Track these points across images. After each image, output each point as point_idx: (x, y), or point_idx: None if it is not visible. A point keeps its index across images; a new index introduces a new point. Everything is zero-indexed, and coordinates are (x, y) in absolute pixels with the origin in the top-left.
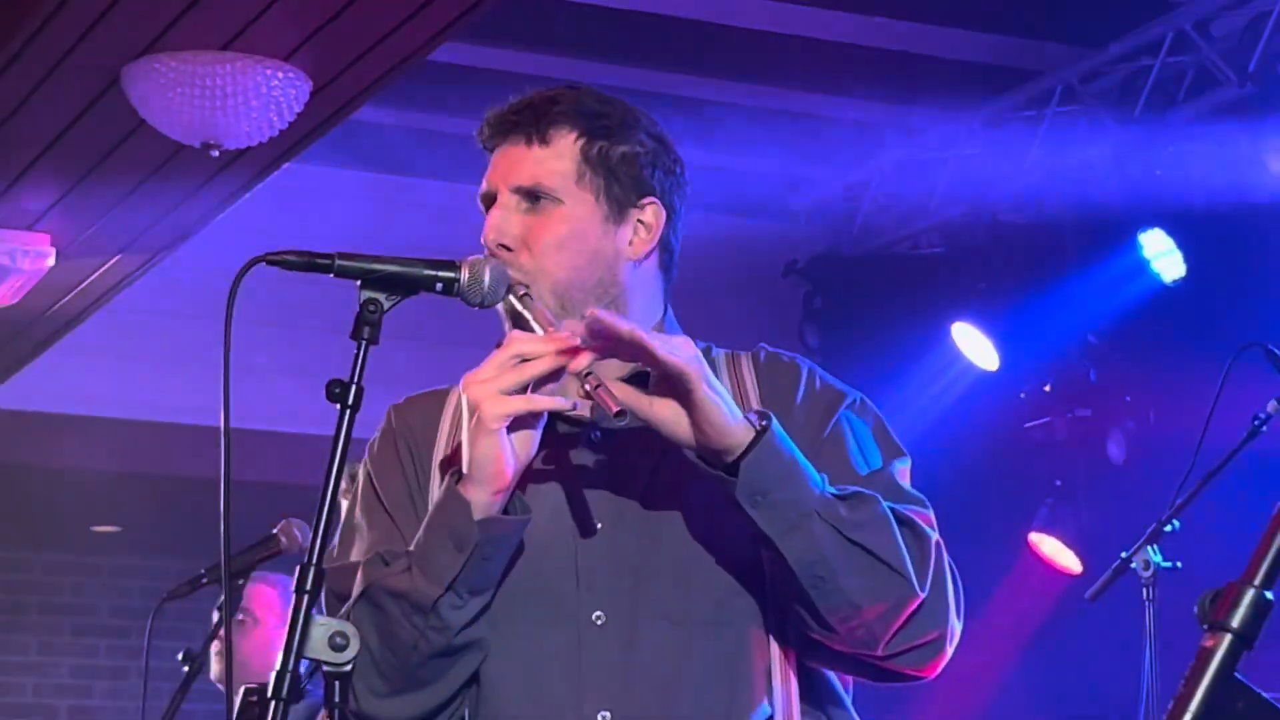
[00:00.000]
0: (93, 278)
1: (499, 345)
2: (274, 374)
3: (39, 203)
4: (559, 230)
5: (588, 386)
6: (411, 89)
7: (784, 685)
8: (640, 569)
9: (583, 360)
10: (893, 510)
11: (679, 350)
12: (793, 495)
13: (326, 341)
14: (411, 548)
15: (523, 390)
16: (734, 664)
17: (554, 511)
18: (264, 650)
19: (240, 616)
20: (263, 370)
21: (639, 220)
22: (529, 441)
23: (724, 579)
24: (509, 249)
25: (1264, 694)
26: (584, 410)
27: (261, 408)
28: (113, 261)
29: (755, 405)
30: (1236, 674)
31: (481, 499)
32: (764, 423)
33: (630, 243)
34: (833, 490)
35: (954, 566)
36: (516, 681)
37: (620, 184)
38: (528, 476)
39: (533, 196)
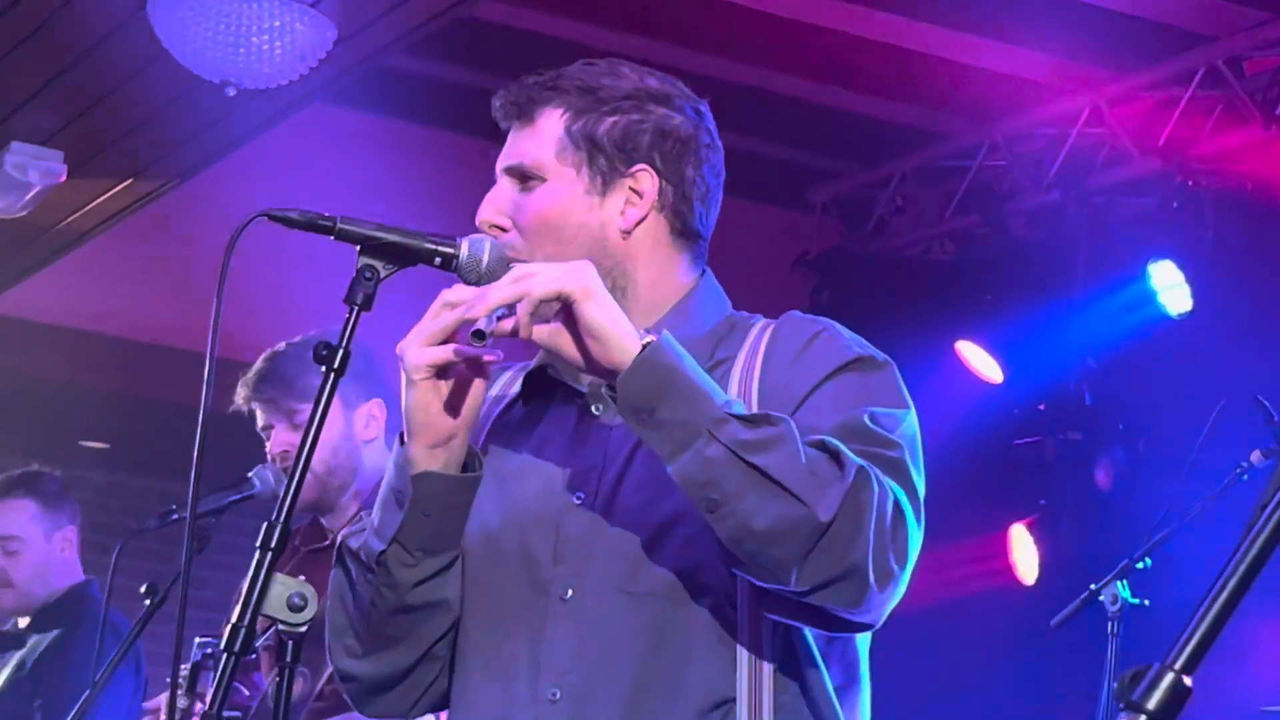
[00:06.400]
0: (103, 198)
1: None
2: (273, 311)
3: (55, 119)
4: (541, 207)
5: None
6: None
7: (752, 667)
8: (612, 545)
9: (483, 306)
10: (822, 441)
11: (558, 271)
12: (681, 414)
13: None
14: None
15: (448, 341)
16: (696, 643)
17: (545, 484)
18: (39, 572)
19: (13, 545)
20: (261, 307)
21: (631, 189)
22: (471, 395)
23: (696, 555)
24: (502, 229)
25: None
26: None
27: (259, 342)
28: (123, 185)
29: (759, 363)
30: None
31: (418, 453)
32: (648, 338)
33: (622, 212)
34: (737, 411)
35: (902, 509)
36: (485, 652)
37: (605, 155)
38: (523, 449)
39: (522, 176)
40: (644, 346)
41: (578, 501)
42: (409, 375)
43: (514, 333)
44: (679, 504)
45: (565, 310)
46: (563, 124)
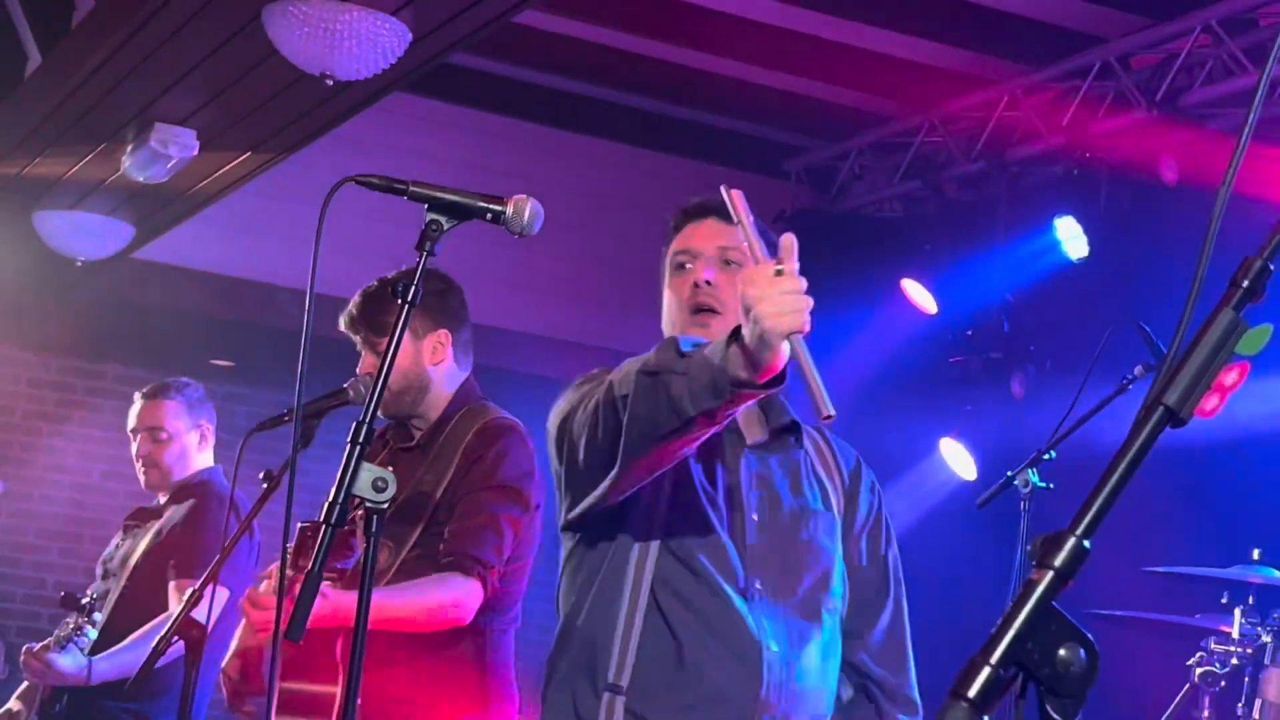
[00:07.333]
0: (227, 167)
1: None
2: (362, 255)
3: (190, 103)
4: (739, 283)
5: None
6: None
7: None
8: (783, 553)
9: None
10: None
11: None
12: None
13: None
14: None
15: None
16: (826, 578)
17: (729, 494)
18: (180, 458)
19: (163, 435)
20: (352, 251)
21: None
22: None
23: (826, 564)
24: (710, 284)
25: (1071, 618)
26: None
27: (352, 280)
28: (244, 156)
29: (835, 468)
30: (1054, 603)
31: (744, 372)
32: None
33: None
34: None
35: None
36: (704, 544)
37: None
38: (721, 476)
39: (726, 258)
40: None
41: (754, 521)
42: (772, 341)
43: None
44: (820, 539)
45: None
46: (740, 235)
